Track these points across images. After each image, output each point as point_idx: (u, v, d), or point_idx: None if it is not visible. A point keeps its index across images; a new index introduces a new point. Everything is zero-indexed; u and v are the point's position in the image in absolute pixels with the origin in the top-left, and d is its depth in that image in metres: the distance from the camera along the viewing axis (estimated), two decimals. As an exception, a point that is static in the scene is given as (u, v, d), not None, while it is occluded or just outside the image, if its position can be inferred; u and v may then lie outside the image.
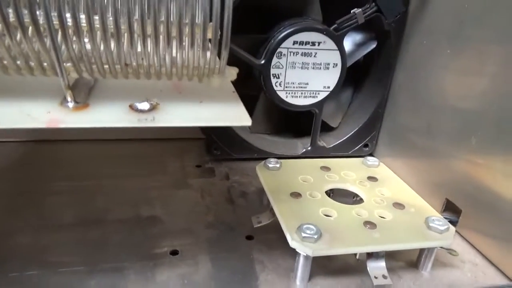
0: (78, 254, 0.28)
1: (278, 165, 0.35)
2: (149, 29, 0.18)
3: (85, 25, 0.18)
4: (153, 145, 0.45)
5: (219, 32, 0.19)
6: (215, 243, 0.30)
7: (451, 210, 0.34)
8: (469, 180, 0.32)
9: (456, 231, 0.33)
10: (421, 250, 0.28)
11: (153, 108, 0.20)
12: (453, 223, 0.33)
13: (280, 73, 0.40)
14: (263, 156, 0.42)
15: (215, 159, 0.42)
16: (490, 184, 0.30)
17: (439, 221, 0.28)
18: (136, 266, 0.27)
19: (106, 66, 0.19)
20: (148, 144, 0.45)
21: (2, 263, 0.26)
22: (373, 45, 0.43)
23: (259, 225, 0.31)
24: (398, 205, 0.30)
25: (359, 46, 0.43)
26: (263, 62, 0.39)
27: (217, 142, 0.42)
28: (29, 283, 0.25)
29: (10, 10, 0.16)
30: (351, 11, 0.38)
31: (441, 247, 0.28)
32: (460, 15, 0.33)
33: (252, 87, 0.42)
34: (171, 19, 0.18)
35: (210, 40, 0.19)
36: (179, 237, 0.30)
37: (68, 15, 0.17)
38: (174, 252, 0.29)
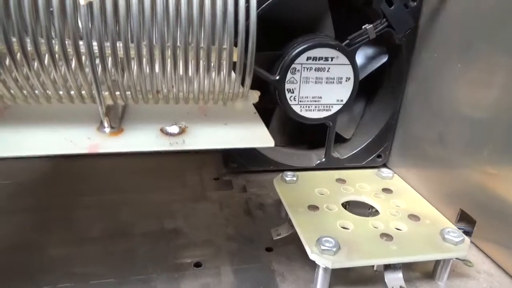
0: (107, 266, 0.29)
1: (295, 178, 0.36)
2: (180, 55, 0.20)
3: (121, 53, 0.19)
4: (172, 159, 0.47)
5: (244, 59, 0.21)
6: (236, 255, 0.31)
7: (465, 221, 0.34)
8: (483, 190, 0.33)
9: (471, 241, 0.33)
10: (437, 261, 0.29)
11: (182, 131, 0.21)
12: (468, 233, 0.33)
13: (295, 88, 0.41)
14: (278, 168, 0.43)
15: (232, 171, 0.44)
16: (503, 194, 0.31)
17: (454, 232, 0.29)
18: (162, 278, 0.28)
19: (139, 93, 0.21)
20: (168, 158, 0.47)
21: (36, 275, 0.28)
22: (384, 59, 0.44)
23: (278, 237, 0.32)
24: (414, 217, 0.31)
25: (371, 60, 0.44)
26: (278, 77, 0.40)
27: (234, 155, 0.43)
28: (62, 295, 0.27)
29: (54, 42, 0.18)
30: (363, 27, 0.39)
31: (457, 258, 0.28)
32: (468, 29, 0.34)
33: (268, 102, 0.43)
34: (200, 46, 0.20)
35: (234, 65, 0.21)
36: (201, 249, 0.32)
37: (107, 45, 0.19)
38: (197, 264, 0.30)
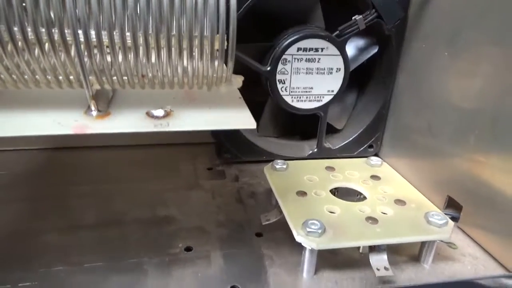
0: (101, 252, 0.30)
1: (285, 166, 0.37)
2: (163, 43, 0.20)
3: (106, 41, 0.20)
4: (167, 150, 0.48)
5: (226, 44, 0.21)
6: (226, 240, 0.32)
7: (452, 207, 0.35)
8: (469, 177, 0.33)
9: (458, 226, 0.34)
10: (422, 244, 0.30)
11: (167, 114, 0.22)
12: (455, 219, 0.34)
13: (286, 79, 0.42)
14: (271, 158, 0.43)
15: (225, 162, 0.45)
16: (489, 180, 0.31)
17: (438, 215, 0.29)
18: (154, 262, 0.29)
19: (125, 78, 0.21)
20: (163, 149, 0.48)
21: (31, 260, 0.29)
22: (375, 50, 0.44)
23: (267, 222, 0.33)
24: (400, 202, 0.32)
25: (361, 50, 0.45)
26: (269, 68, 0.41)
27: (227, 145, 0.44)
28: (56, 277, 0.27)
29: (43, 30, 0.19)
30: (352, 18, 0.40)
31: (441, 241, 0.29)
32: (456, 18, 0.34)
33: (260, 93, 0.44)
34: (182, 33, 0.20)
35: (217, 51, 0.22)
36: (192, 235, 0.33)
37: (92, 33, 0.19)
38: (188, 249, 0.31)
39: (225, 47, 0.21)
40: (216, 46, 0.21)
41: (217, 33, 0.21)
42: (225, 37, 0.21)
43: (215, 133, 0.44)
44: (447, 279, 0.29)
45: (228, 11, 0.20)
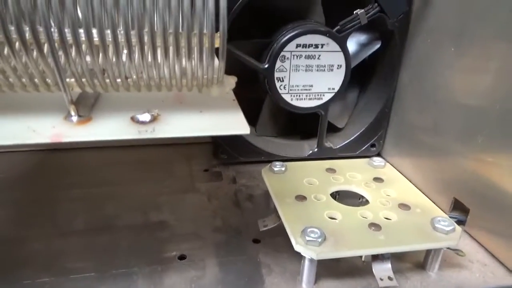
0: (89, 260, 0.29)
1: (283, 168, 0.35)
2: (147, 41, 0.19)
3: (84, 40, 0.18)
4: (161, 151, 0.46)
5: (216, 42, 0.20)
6: (222, 247, 0.31)
7: (459, 209, 0.33)
8: (477, 178, 0.32)
9: (464, 230, 0.32)
10: (428, 251, 0.28)
11: (154, 119, 0.20)
12: (461, 222, 0.32)
13: (284, 76, 0.40)
14: (270, 159, 0.42)
15: (222, 163, 0.43)
16: (498, 182, 0.30)
17: (445, 221, 0.28)
18: (145, 271, 0.28)
19: (107, 80, 0.20)
20: (157, 150, 0.46)
21: (15, 270, 0.27)
22: (377, 45, 0.42)
23: (265, 228, 0.31)
24: (404, 206, 0.30)
25: (363, 46, 0.43)
26: (267, 66, 0.39)
27: (223, 146, 0.42)
28: (42, 289, 0.26)
29: (12, 28, 0.17)
30: (354, 12, 0.38)
31: (448, 248, 0.27)
32: (463, 12, 0.33)
33: (258, 91, 0.42)
34: (168, 30, 0.19)
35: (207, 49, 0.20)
36: (186, 241, 0.31)
37: (67, 31, 0.18)
38: (182, 257, 0.29)
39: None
40: (206, 44, 0.19)
41: (206, 30, 0.19)
42: (215, 34, 0.19)
43: (212, 133, 0.42)
44: (454, 289, 0.27)
45: (217, 5, 0.18)
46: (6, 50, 0.17)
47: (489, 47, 0.30)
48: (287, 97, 0.41)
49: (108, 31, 0.18)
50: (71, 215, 0.34)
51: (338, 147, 0.44)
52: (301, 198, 0.31)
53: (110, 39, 0.18)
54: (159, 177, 0.41)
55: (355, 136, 0.44)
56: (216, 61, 0.21)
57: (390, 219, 0.29)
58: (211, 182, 0.40)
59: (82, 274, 0.27)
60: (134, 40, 0.18)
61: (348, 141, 0.44)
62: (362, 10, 0.38)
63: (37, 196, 0.37)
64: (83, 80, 0.19)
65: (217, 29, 0.19)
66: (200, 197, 0.37)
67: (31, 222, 0.33)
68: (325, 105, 0.42)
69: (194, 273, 0.28)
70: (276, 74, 0.39)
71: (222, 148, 0.42)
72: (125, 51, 0.19)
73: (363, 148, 0.45)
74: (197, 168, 0.43)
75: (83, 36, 0.18)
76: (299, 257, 0.27)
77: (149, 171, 0.42)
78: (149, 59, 0.19)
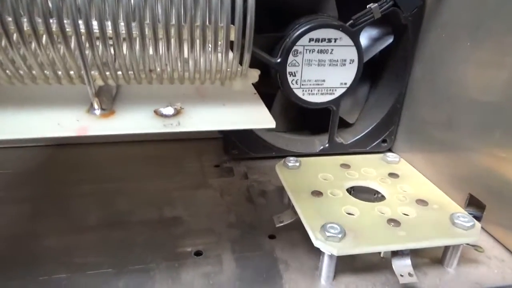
0: (105, 256, 0.28)
1: (297, 164, 0.35)
2: (173, 34, 0.18)
3: (110, 32, 0.18)
4: (171, 146, 0.46)
5: (242, 36, 0.19)
6: (238, 243, 0.30)
7: (474, 205, 0.33)
8: (493, 174, 0.31)
9: (480, 226, 0.32)
10: (446, 247, 0.28)
11: (177, 113, 0.20)
12: (477, 218, 0.32)
13: (297, 71, 0.39)
14: (280, 154, 0.42)
15: (233, 158, 0.43)
16: (514, 178, 0.30)
17: (464, 217, 0.27)
18: (162, 267, 0.27)
19: (130, 72, 0.19)
20: (167, 145, 0.46)
21: (31, 266, 0.27)
22: (390, 40, 0.42)
23: (281, 224, 0.31)
24: (421, 202, 0.30)
25: (375, 41, 0.43)
26: (279, 60, 0.39)
27: (234, 141, 0.42)
28: (58, 286, 0.26)
29: (39, 20, 0.17)
30: (367, 6, 0.38)
31: (467, 244, 0.27)
32: (478, 6, 0.32)
33: (269, 86, 0.42)
34: (194, 23, 0.18)
35: (232, 43, 0.20)
36: (202, 237, 0.31)
37: (94, 23, 0.17)
38: (198, 253, 0.29)
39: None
40: (232, 37, 0.19)
41: (233, 23, 0.19)
42: (242, 27, 0.19)
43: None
44: (473, 286, 0.27)
45: (245, -2, 0.18)
46: (33, 44, 0.17)
47: (506, 41, 0.30)
48: (298, 92, 0.40)
49: (134, 23, 0.18)
50: (84, 211, 0.33)
51: (349, 142, 0.44)
52: (317, 193, 0.31)
53: (136, 32, 0.18)
54: (170, 173, 0.40)
55: (366, 131, 0.44)
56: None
57: (408, 215, 0.29)
58: (222, 178, 0.40)
59: (99, 270, 0.27)
60: (160, 32, 0.18)
61: (359, 136, 0.44)
62: (376, 4, 0.37)
63: (49, 191, 0.36)
64: (107, 73, 0.19)
65: (243, 23, 0.19)
66: (213, 193, 0.37)
67: (45, 217, 0.33)
68: (337, 100, 0.42)
69: (211, 268, 0.28)
70: (289, 69, 0.39)
71: (233, 144, 0.42)
72: (150, 43, 0.19)
73: (374, 144, 0.45)
74: (208, 163, 0.42)
75: (110, 29, 0.17)
76: (316, 252, 0.27)
77: (159, 166, 0.42)
78: (174, 52, 0.19)
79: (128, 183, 0.38)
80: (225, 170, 0.41)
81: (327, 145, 0.44)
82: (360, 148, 0.44)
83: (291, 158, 0.35)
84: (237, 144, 0.42)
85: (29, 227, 0.31)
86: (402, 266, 0.26)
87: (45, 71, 0.18)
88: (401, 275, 0.25)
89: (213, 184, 0.39)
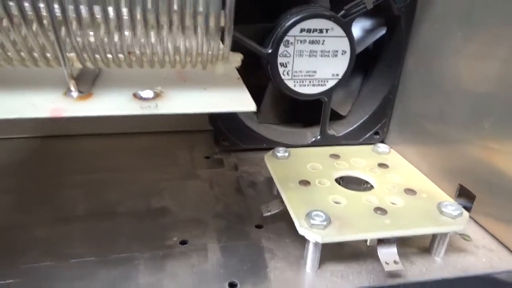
0: (90, 246, 0.28)
1: (286, 154, 0.35)
2: (151, 17, 0.18)
3: (87, 15, 0.18)
4: (162, 138, 0.46)
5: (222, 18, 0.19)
6: (224, 233, 0.30)
7: (464, 196, 0.33)
8: (483, 165, 0.31)
9: (470, 217, 0.32)
10: (434, 236, 0.28)
11: (156, 96, 0.20)
12: (467, 208, 0.32)
13: (288, 62, 0.39)
14: (272, 146, 0.41)
15: (223, 150, 0.42)
16: (504, 168, 0.29)
17: (452, 206, 0.27)
18: (146, 256, 0.27)
19: (109, 55, 0.19)
20: (158, 137, 0.46)
21: (17, 255, 0.27)
22: (382, 31, 0.42)
23: (268, 213, 0.31)
24: (410, 191, 0.30)
25: (368, 32, 0.43)
26: (270, 51, 0.38)
27: (225, 133, 0.41)
28: (42, 274, 0.25)
29: (12, 3, 0.16)
30: (359, -4, 0.37)
31: (455, 232, 0.27)
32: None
33: (260, 77, 0.41)
34: (173, 6, 0.18)
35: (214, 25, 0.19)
36: (188, 227, 0.31)
37: (70, 6, 0.17)
38: (183, 242, 0.29)
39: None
40: (212, 20, 0.19)
41: (212, 5, 0.18)
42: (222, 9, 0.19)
43: (213, 120, 0.42)
44: (460, 273, 0.27)
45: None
46: (5, 23, 0.16)
47: (497, 32, 0.30)
48: (290, 83, 0.40)
49: (112, 6, 0.17)
50: (72, 201, 0.33)
51: (341, 134, 0.44)
52: (304, 183, 0.30)
53: (113, 14, 0.17)
54: (160, 164, 0.40)
55: (358, 123, 0.44)
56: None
57: (396, 204, 0.28)
58: (212, 169, 0.40)
59: (82, 258, 0.27)
60: (138, 15, 0.18)
61: (351, 128, 0.44)
62: (368, -6, 0.37)
63: (37, 182, 0.36)
64: (84, 55, 0.19)
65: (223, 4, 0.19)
66: (202, 184, 0.37)
67: (32, 208, 0.32)
68: (329, 92, 0.41)
69: (196, 258, 0.27)
70: (280, 60, 0.39)
71: (224, 135, 0.42)
72: (128, 26, 0.18)
73: (367, 136, 0.44)
74: (199, 155, 0.42)
75: (84, 11, 0.17)
76: (302, 242, 0.27)
77: (150, 158, 0.42)
78: (153, 35, 0.19)
79: (118, 174, 0.38)
80: (215, 162, 0.41)
81: (319, 137, 0.43)
82: (352, 140, 0.44)
83: (280, 149, 0.35)
84: (228, 136, 0.42)
85: (15, 218, 0.31)
86: (388, 254, 0.26)
87: (21, 53, 0.18)
88: (387, 263, 0.25)
89: (203, 175, 0.38)
